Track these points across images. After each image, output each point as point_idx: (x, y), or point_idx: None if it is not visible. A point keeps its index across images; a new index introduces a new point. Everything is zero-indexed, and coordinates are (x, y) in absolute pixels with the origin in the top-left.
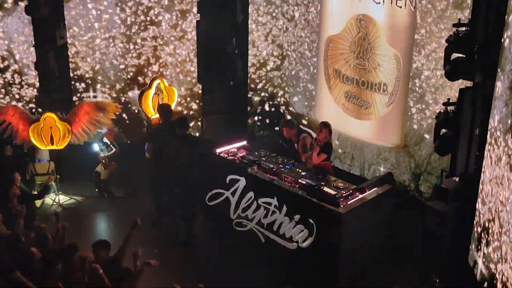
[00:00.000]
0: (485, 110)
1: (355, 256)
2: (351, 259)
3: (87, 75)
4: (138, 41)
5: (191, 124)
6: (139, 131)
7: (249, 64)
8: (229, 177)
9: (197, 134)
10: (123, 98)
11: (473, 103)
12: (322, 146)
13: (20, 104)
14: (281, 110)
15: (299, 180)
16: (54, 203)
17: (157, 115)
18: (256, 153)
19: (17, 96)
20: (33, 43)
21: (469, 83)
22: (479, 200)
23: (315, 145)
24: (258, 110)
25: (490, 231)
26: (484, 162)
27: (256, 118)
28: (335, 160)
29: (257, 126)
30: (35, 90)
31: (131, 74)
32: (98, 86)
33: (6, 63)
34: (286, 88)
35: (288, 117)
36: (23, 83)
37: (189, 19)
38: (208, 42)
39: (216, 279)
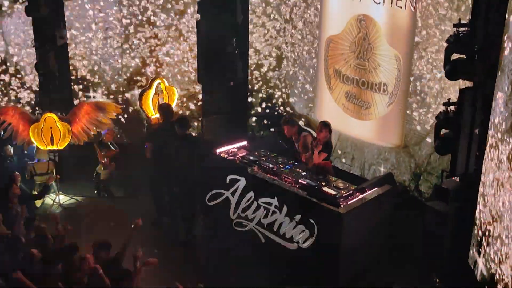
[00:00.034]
0: (485, 110)
1: (355, 256)
2: (351, 259)
3: (87, 76)
4: (135, 41)
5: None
6: (139, 131)
7: (249, 64)
8: (229, 177)
9: (197, 134)
10: (123, 98)
11: (473, 103)
12: (322, 145)
13: (20, 104)
14: (281, 110)
15: (300, 180)
16: (54, 203)
17: (157, 115)
18: (256, 153)
19: (17, 97)
20: (33, 43)
21: (469, 83)
22: (479, 200)
23: (315, 144)
24: (259, 110)
25: (491, 231)
26: (484, 163)
27: (256, 118)
28: (335, 160)
29: (257, 126)
30: (35, 90)
31: (130, 74)
32: (98, 86)
33: (6, 63)
34: (286, 89)
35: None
36: (23, 83)
37: (185, 19)
38: (208, 43)
39: (216, 279)
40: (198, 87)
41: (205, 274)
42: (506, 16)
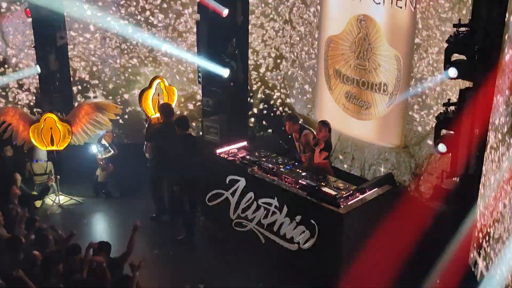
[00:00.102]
0: (485, 110)
1: (356, 257)
2: (352, 259)
3: (86, 77)
4: (134, 42)
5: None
6: (139, 131)
7: (249, 64)
8: (229, 178)
9: (196, 135)
10: (122, 98)
11: (473, 104)
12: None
13: (19, 106)
14: (280, 111)
15: (300, 181)
16: (54, 204)
17: (157, 115)
18: (256, 153)
19: (17, 97)
20: (33, 44)
21: (469, 84)
22: (480, 201)
23: (314, 144)
24: (259, 109)
25: (491, 232)
26: (484, 164)
27: (256, 118)
28: (335, 161)
29: (257, 127)
30: (36, 91)
31: (128, 75)
32: (98, 86)
33: (5, 64)
34: (285, 89)
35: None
36: (23, 84)
37: (183, 19)
38: (208, 43)
39: (216, 280)
40: (196, 88)
41: (205, 274)
42: (506, 16)
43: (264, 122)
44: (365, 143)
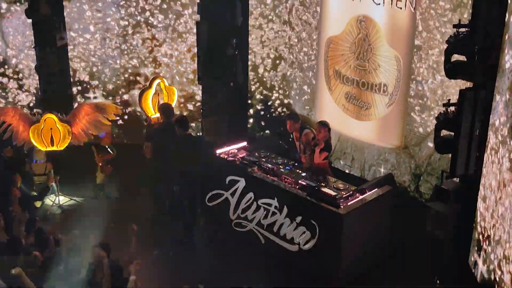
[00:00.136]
0: (485, 111)
1: (356, 257)
2: (352, 260)
3: (86, 77)
4: (134, 42)
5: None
6: (139, 131)
7: (249, 65)
8: (228, 178)
9: (195, 135)
10: (122, 98)
11: (473, 104)
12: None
13: (20, 107)
14: (279, 112)
15: (299, 181)
16: (54, 204)
17: (157, 115)
18: (256, 154)
19: (17, 98)
20: (34, 44)
21: (469, 84)
22: (479, 201)
23: (314, 144)
24: (259, 110)
25: (491, 233)
26: (484, 164)
27: (256, 119)
28: (335, 161)
29: (257, 127)
30: (36, 91)
31: (128, 75)
32: (98, 87)
33: (5, 65)
34: (285, 90)
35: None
36: (23, 84)
37: (183, 20)
38: (208, 44)
39: (215, 280)
40: (196, 88)
41: (205, 274)
42: (506, 16)
43: (262, 123)
44: (365, 143)
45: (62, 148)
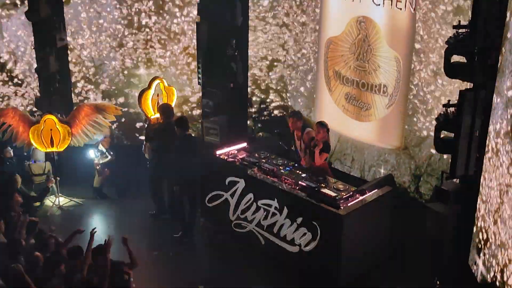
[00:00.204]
0: (485, 112)
1: (356, 258)
2: (352, 260)
3: (87, 78)
4: (131, 43)
5: None
6: (138, 132)
7: (249, 65)
8: (228, 179)
9: (195, 136)
10: (122, 99)
11: (473, 105)
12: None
13: (19, 105)
14: (278, 113)
15: (299, 182)
16: (54, 205)
17: (157, 115)
18: (256, 154)
19: (17, 98)
20: (33, 45)
21: (469, 85)
22: (479, 201)
23: (313, 145)
24: (256, 111)
25: (491, 234)
26: (484, 165)
27: (256, 120)
28: (335, 162)
29: (257, 128)
30: (36, 92)
31: (128, 76)
32: (98, 88)
33: (5, 66)
34: (283, 91)
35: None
36: (23, 85)
37: (180, 20)
38: (208, 44)
39: (215, 280)
40: (194, 89)
41: (205, 275)
42: (506, 16)
43: (259, 124)
44: (365, 144)
45: (62, 149)
